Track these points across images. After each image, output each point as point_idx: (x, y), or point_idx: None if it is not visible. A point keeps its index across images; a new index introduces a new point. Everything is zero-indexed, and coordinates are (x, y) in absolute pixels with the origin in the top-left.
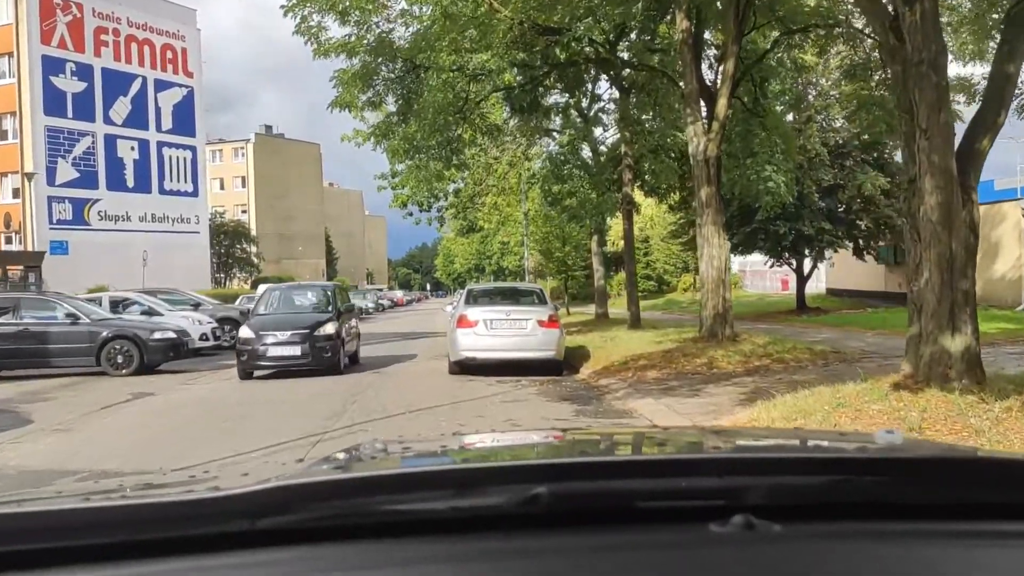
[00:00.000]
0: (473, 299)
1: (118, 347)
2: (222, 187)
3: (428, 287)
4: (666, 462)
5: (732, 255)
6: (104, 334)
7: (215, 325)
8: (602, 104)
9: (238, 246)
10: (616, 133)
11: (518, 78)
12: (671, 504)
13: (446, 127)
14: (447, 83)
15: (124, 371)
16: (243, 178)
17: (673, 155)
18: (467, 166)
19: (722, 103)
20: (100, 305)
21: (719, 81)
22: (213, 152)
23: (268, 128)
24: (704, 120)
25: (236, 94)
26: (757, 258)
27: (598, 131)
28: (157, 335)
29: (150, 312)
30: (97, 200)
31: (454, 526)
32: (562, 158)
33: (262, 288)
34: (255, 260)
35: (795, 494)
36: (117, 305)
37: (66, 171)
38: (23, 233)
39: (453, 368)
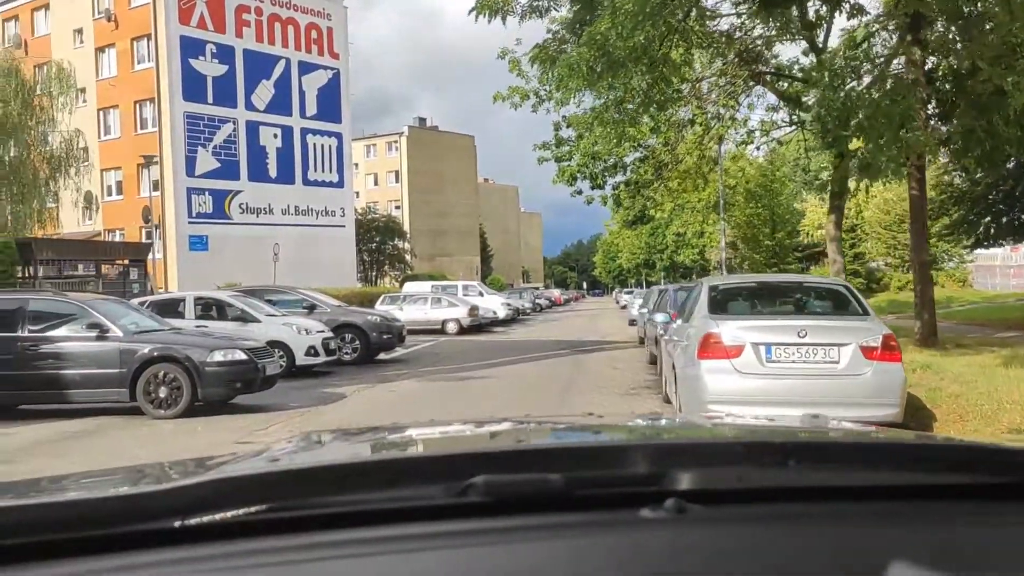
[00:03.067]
0: (721, 304)
1: (161, 375)
2: (376, 183)
3: (584, 286)
4: (600, 449)
5: (971, 247)
6: (142, 354)
7: (329, 335)
8: (866, 19)
9: (389, 243)
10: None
11: None
12: (606, 491)
13: (661, 9)
14: None
15: (168, 410)
16: (396, 172)
17: None
18: (673, 105)
19: None
20: (183, 308)
21: None
22: (367, 147)
23: (422, 120)
24: None
25: (394, 99)
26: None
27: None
28: (219, 356)
29: (243, 318)
30: (238, 192)
31: (389, 514)
32: (851, 68)
33: (408, 286)
34: (407, 257)
35: (725, 479)
36: (210, 308)
37: (206, 161)
38: (163, 228)
39: None
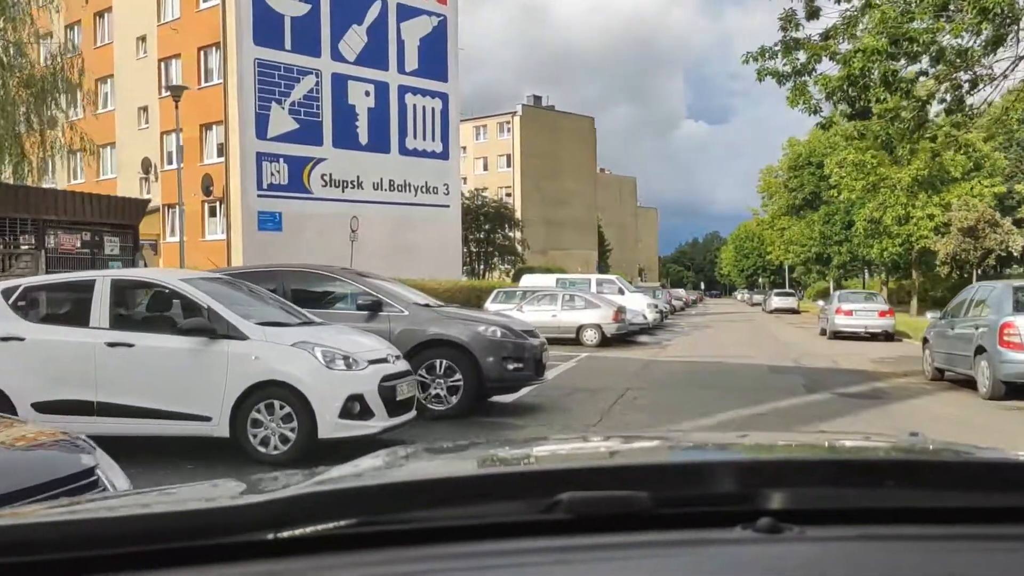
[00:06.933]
0: None
1: None
2: (485, 167)
3: (702, 286)
4: (689, 466)
5: None
6: None
7: (396, 369)
8: None
9: (500, 231)
10: None
11: None
12: (694, 509)
13: None
14: None
15: None
16: (508, 156)
17: None
18: None
19: None
20: (91, 304)
21: None
22: (476, 128)
23: (537, 99)
24: None
25: (502, 97)
26: None
27: None
28: None
29: (210, 330)
30: (321, 160)
31: (475, 530)
32: None
33: (528, 280)
34: (519, 248)
35: (820, 498)
36: (162, 304)
37: (281, 120)
38: (226, 202)
39: None
